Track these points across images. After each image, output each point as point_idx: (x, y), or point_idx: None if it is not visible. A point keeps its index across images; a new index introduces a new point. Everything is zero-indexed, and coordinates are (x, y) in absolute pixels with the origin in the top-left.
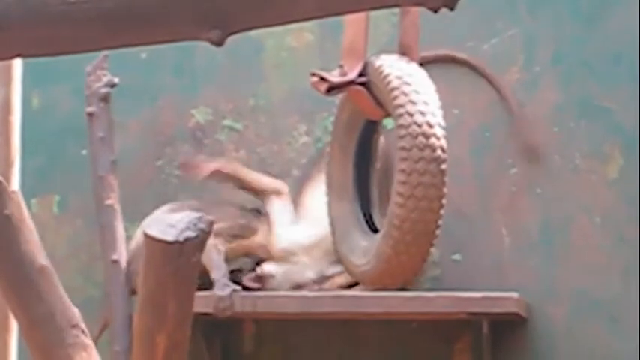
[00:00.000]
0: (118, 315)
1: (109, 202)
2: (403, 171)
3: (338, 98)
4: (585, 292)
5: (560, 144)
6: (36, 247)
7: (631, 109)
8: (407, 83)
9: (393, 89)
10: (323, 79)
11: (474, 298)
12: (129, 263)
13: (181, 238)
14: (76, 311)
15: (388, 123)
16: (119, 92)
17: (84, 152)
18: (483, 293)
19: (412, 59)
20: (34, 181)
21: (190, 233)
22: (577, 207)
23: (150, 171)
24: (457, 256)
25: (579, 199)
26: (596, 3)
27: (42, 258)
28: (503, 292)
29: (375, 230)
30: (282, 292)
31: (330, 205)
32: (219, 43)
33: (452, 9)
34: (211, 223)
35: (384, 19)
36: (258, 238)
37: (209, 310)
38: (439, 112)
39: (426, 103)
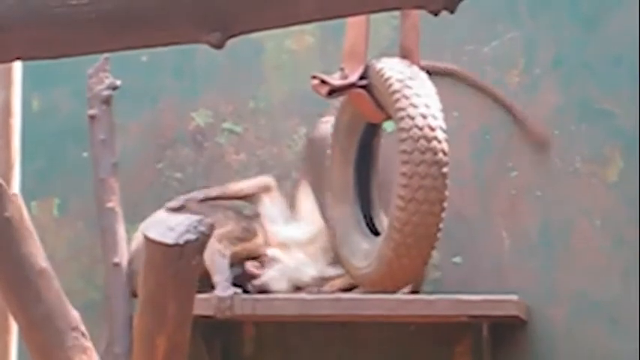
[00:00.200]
0: (118, 317)
1: (109, 204)
2: (404, 174)
3: (339, 101)
4: (585, 294)
5: (560, 147)
6: (36, 250)
7: (631, 111)
8: (408, 86)
9: (394, 92)
10: (324, 82)
11: (474, 300)
12: (129, 263)
13: (181, 241)
14: (75, 314)
15: (388, 126)
16: (120, 95)
17: (84, 155)
18: (483, 296)
19: (413, 62)
20: (34, 184)
21: (190, 236)
22: (577, 209)
23: (150, 173)
24: (457, 259)
25: (579, 202)
26: (596, 6)
27: (42, 261)
28: (504, 295)
29: (376, 233)
30: (281, 295)
31: (330, 207)
32: (219, 46)
33: (452, 12)
34: (211, 226)
35: (385, 22)
36: (259, 240)
37: (209, 312)
38: (440, 115)
39: (427, 106)
